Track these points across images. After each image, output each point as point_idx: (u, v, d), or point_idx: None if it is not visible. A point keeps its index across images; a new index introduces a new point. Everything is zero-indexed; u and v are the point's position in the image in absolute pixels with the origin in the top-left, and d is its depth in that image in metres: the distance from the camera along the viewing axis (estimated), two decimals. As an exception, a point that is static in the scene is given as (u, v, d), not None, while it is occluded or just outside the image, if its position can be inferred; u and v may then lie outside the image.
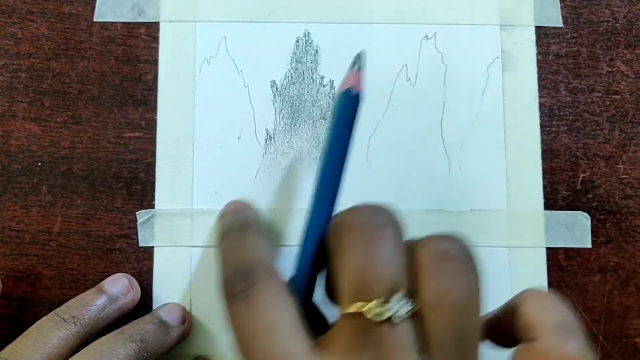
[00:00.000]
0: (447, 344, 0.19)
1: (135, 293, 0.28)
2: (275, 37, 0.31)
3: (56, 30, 0.30)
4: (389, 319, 0.18)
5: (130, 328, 0.26)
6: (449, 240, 0.20)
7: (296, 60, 0.30)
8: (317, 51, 0.31)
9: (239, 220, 0.26)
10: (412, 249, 0.20)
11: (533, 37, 0.31)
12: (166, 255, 0.29)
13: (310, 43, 0.31)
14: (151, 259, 0.29)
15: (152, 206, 0.29)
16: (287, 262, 0.29)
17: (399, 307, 0.19)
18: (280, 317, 0.20)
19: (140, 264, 0.29)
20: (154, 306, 0.29)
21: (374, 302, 0.18)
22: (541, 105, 0.31)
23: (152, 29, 0.30)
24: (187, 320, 0.28)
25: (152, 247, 0.29)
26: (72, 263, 0.29)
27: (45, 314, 0.26)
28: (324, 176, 0.23)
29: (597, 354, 0.19)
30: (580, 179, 0.30)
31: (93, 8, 0.30)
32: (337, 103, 0.23)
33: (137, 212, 0.29)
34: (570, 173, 0.30)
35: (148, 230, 0.29)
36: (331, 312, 0.23)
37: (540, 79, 0.31)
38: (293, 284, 0.22)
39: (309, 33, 0.31)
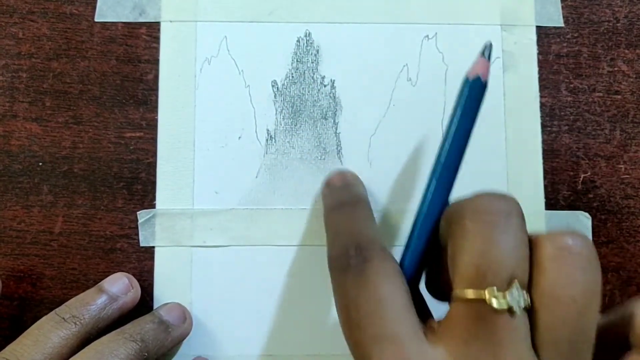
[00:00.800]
0: (561, 342, 0.18)
1: (135, 292, 0.28)
2: (276, 37, 0.31)
3: (57, 30, 0.30)
4: (508, 309, 0.18)
5: (130, 328, 0.26)
6: (574, 237, 0.19)
7: (297, 60, 0.31)
8: (318, 51, 0.31)
9: (351, 194, 0.25)
10: (534, 242, 0.20)
11: (534, 37, 0.31)
12: (167, 255, 0.29)
13: (311, 43, 0.31)
14: (152, 258, 0.29)
15: (153, 206, 0.29)
16: (291, 262, 0.29)
17: (519, 296, 0.18)
18: (393, 296, 0.20)
19: (141, 264, 0.29)
20: (155, 306, 0.29)
21: (495, 289, 0.18)
22: (542, 105, 0.30)
23: (153, 29, 0.30)
24: (188, 320, 0.28)
25: (153, 247, 0.29)
26: (73, 263, 0.29)
27: (46, 314, 0.26)
28: (444, 162, 0.23)
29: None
30: (581, 179, 0.30)
31: (94, 8, 0.30)
32: (465, 89, 0.23)
33: (138, 212, 0.29)
34: (571, 173, 0.30)
35: (149, 230, 0.29)
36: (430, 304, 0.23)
37: (541, 79, 0.31)
38: (402, 268, 0.22)
39: (309, 33, 0.31)
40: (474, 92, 0.23)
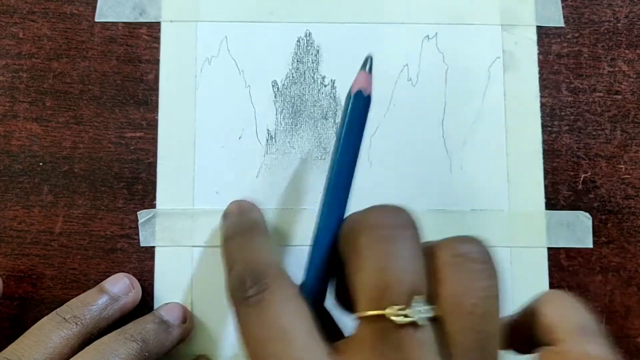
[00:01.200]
0: (469, 349, 0.18)
1: (136, 293, 0.28)
2: (276, 37, 0.31)
3: (58, 30, 0.30)
4: (411, 323, 0.18)
5: (131, 328, 0.26)
6: (469, 242, 0.19)
7: (297, 60, 0.31)
8: (318, 51, 0.31)
9: (244, 221, 0.25)
10: (430, 251, 0.19)
11: (534, 36, 0.31)
12: (167, 255, 0.29)
13: (311, 43, 0.31)
14: (152, 258, 0.29)
15: (153, 206, 0.29)
16: (293, 262, 0.29)
17: (421, 309, 0.18)
18: (296, 323, 0.19)
19: (142, 264, 0.29)
20: (155, 306, 0.29)
21: (396, 307, 0.18)
22: (542, 105, 0.30)
23: (154, 29, 0.30)
24: (188, 320, 0.28)
25: (154, 247, 0.29)
26: (73, 263, 0.29)
27: (47, 314, 0.26)
28: (334, 178, 0.22)
29: (620, 354, 0.19)
30: (581, 179, 0.30)
31: (94, 8, 0.30)
32: (348, 104, 0.23)
33: (138, 212, 0.29)
34: (572, 173, 0.30)
35: (149, 230, 0.29)
36: (341, 319, 0.23)
37: (541, 79, 0.31)
38: (304, 289, 0.22)
39: (310, 33, 0.31)
40: (357, 106, 0.23)
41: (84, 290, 0.28)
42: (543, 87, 0.31)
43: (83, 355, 0.24)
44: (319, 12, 0.31)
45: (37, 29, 0.30)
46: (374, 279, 0.18)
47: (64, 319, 0.25)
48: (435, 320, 0.18)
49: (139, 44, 0.30)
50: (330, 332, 0.20)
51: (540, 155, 0.30)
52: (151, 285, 0.29)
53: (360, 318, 0.19)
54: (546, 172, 0.30)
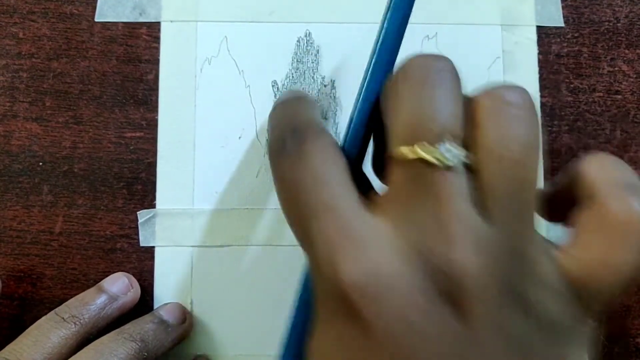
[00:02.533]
0: (502, 195, 0.17)
1: (135, 292, 0.28)
2: (276, 37, 0.31)
3: (57, 30, 0.30)
4: (443, 163, 0.17)
5: (130, 327, 0.26)
6: (513, 90, 0.19)
7: (297, 60, 0.31)
8: (318, 51, 0.31)
9: (295, 93, 0.24)
10: (472, 100, 0.19)
11: (534, 36, 0.31)
12: (167, 255, 0.29)
13: (311, 43, 0.31)
14: (152, 258, 0.29)
15: (153, 206, 0.29)
16: (292, 262, 0.29)
17: (454, 149, 0.17)
18: (330, 171, 0.19)
19: (141, 264, 0.29)
20: (155, 306, 0.29)
21: (426, 143, 0.17)
22: (542, 105, 0.30)
23: (154, 29, 0.30)
24: (188, 320, 0.28)
25: (153, 247, 0.29)
26: (73, 263, 0.29)
27: (46, 314, 0.26)
28: (383, 38, 0.22)
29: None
30: (581, 179, 0.30)
31: (94, 8, 0.30)
32: None
33: (138, 212, 0.29)
34: (572, 173, 0.30)
35: (149, 230, 0.29)
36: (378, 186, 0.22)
37: (541, 79, 0.31)
38: (344, 149, 0.21)
39: (310, 33, 0.31)
40: None
41: (84, 290, 0.28)
42: (543, 87, 0.31)
43: (82, 355, 0.24)
44: (319, 12, 0.31)
45: (37, 29, 0.30)
46: (407, 117, 0.18)
47: (63, 318, 0.25)
48: (470, 168, 0.18)
49: (139, 44, 0.30)
50: (365, 190, 0.20)
51: (540, 155, 0.30)
52: (151, 285, 0.29)
53: (391, 160, 0.18)
54: (546, 172, 0.30)
